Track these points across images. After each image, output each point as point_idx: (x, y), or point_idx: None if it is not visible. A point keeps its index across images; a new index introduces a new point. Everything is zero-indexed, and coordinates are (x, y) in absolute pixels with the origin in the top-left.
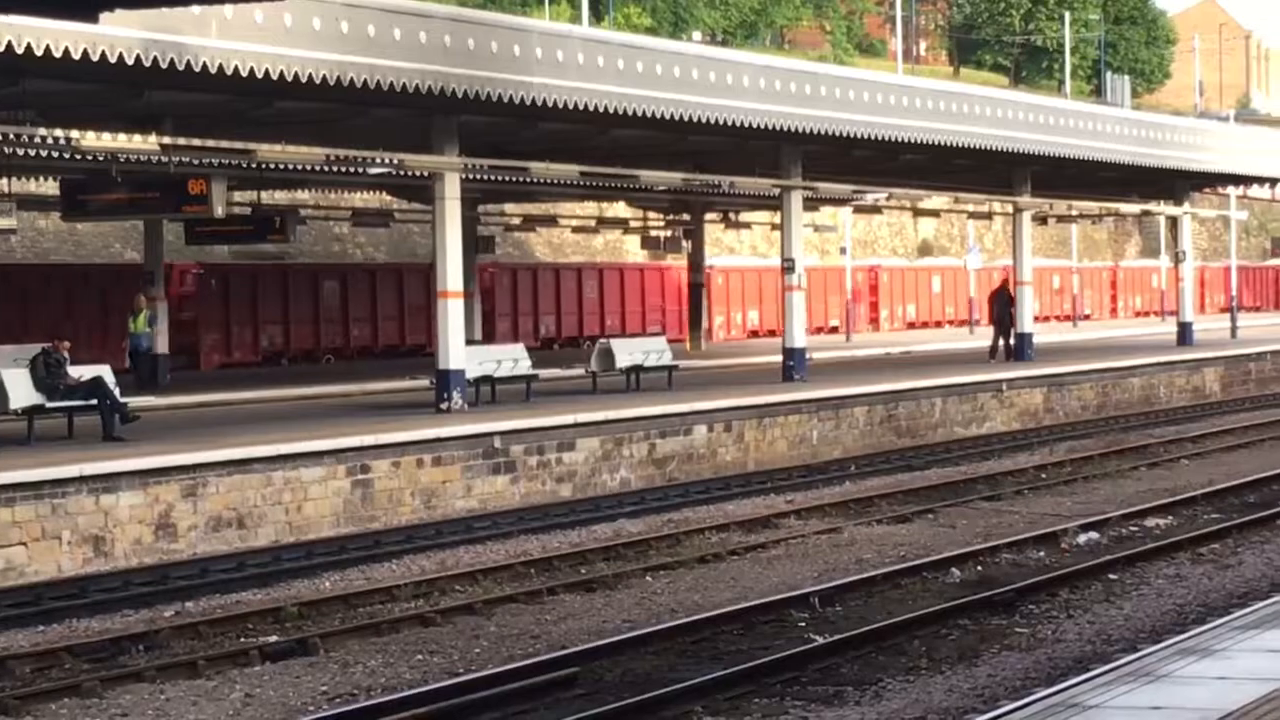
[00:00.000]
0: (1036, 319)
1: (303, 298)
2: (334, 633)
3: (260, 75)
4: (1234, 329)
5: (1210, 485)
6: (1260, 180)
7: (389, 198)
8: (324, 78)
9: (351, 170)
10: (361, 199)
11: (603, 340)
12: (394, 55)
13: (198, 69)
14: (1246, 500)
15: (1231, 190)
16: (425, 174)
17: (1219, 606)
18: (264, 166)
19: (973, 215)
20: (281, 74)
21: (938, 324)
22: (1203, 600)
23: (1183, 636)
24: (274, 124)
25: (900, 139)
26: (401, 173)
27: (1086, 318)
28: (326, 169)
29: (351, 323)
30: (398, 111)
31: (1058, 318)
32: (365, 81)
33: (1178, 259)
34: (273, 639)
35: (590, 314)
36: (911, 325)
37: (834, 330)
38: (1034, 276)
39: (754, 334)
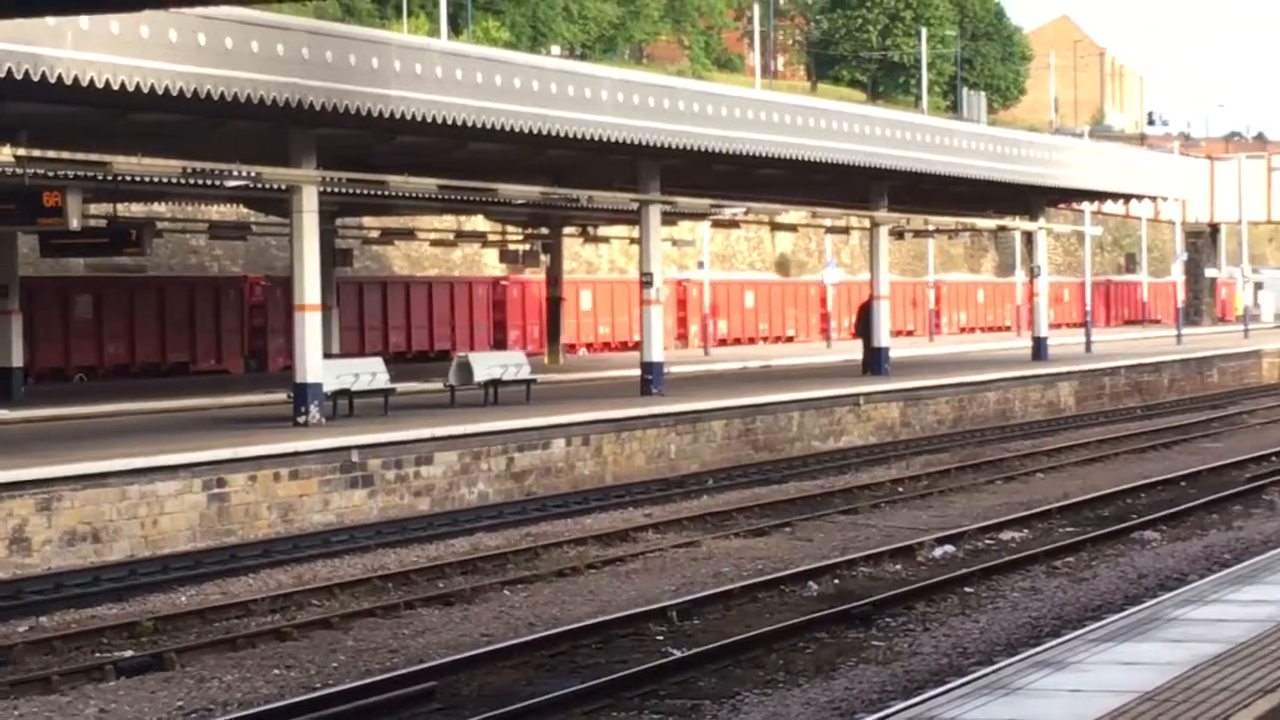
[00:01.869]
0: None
1: (349, 308)
2: (190, 647)
3: (116, 87)
4: (1088, 344)
5: (1065, 499)
6: (1114, 196)
7: (247, 210)
8: (180, 90)
9: (209, 183)
10: (219, 212)
11: (461, 354)
12: (251, 67)
13: (53, 80)
14: (1101, 514)
15: (1086, 206)
16: (283, 187)
17: (1073, 619)
18: (120, 179)
19: (830, 230)
20: (138, 86)
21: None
22: (1057, 613)
23: (1037, 649)
24: (131, 136)
25: (758, 154)
26: (259, 185)
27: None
28: (184, 181)
29: (389, 330)
30: (255, 124)
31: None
32: (222, 94)
33: (1032, 274)
34: (128, 654)
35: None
36: (898, 334)
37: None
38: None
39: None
